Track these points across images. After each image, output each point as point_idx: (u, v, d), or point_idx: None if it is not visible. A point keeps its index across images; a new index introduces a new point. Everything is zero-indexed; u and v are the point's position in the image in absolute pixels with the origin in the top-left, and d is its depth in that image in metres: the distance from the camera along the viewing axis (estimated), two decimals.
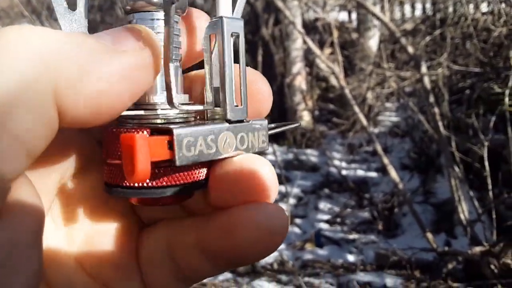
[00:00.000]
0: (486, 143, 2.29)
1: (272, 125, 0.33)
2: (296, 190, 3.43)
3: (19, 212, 0.22)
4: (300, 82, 4.48)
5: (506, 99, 2.23)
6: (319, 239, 2.77)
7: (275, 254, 2.66)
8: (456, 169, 2.38)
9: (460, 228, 2.44)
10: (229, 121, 0.28)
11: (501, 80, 2.81)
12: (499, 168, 2.37)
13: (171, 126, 0.25)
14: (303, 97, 4.42)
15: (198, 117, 0.30)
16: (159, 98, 0.27)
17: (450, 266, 2.22)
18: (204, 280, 2.41)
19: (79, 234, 0.30)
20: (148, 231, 0.32)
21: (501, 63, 2.93)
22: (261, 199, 0.27)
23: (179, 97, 0.28)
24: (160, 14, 0.27)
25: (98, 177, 0.30)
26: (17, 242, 0.21)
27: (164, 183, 0.26)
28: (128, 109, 0.26)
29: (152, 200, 0.27)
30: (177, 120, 0.27)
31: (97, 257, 0.30)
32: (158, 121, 0.27)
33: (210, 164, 0.28)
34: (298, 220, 3.05)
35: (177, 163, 0.25)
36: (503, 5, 2.77)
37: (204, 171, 0.28)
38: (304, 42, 3.20)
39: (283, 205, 3.20)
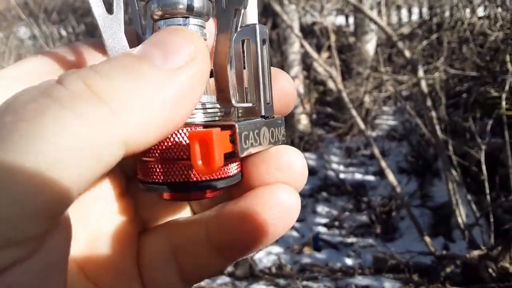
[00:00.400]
0: (483, 147, 2.29)
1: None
2: None
3: (63, 232, 0.22)
4: (298, 85, 4.48)
5: (503, 103, 2.24)
6: (317, 243, 2.76)
7: (273, 257, 2.66)
8: (454, 172, 2.39)
9: (458, 232, 2.45)
10: (264, 117, 0.30)
11: (498, 84, 2.82)
12: (497, 172, 2.38)
13: (232, 122, 0.28)
14: (301, 100, 4.42)
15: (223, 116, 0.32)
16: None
17: (448, 269, 2.23)
18: (202, 283, 2.40)
19: (80, 239, 0.30)
20: (148, 234, 0.32)
21: (498, 67, 2.94)
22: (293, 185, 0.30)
23: (209, 97, 0.30)
24: (192, 20, 0.29)
25: (102, 182, 0.30)
26: (53, 267, 0.21)
27: (223, 175, 0.29)
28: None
29: (186, 196, 0.30)
30: (215, 119, 0.30)
31: (98, 262, 0.30)
32: (200, 120, 0.29)
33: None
34: (296, 224, 3.05)
35: (240, 154, 0.28)
36: (499, 9, 2.79)
37: (238, 164, 0.31)
38: (302, 46, 3.21)
39: None
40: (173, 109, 0.23)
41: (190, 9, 0.28)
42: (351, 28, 4.92)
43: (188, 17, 0.29)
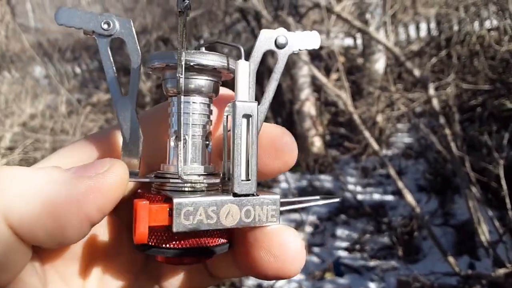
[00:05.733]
0: (501, 161, 2.25)
1: (310, 198, 0.37)
2: (311, 218, 3.40)
3: None
4: (309, 108, 4.49)
5: None
6: (339, 268, 2.71)
7: (294, 285, 2.61)
8: (473, 189, 2.34)
9: (483, 249, 2.38)
10: (235, 194, 0.30)
11: None
12: None
13: (174, 196, 0.29)
14: (313, 122, 4.42)
15: (217, 186, 0.33)
16: (178, 168, 0.31)
17: None
18: None
19: None
20: None
21: (511, 79, 2.91)
22: (289, 271, 0.31)
23: (198, 168, 0.32)
24: (196, 98, 0.32)
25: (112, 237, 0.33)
26: None
27: (180, 245, 0.30)
28: (156, 176, 0.32)
29: (174, 260, 0.31)
30: (186, 189, 0.31)
31: None
32: (176, 190, 0.31)
33: (233, 231, 0.32)
34: (315, 249, 3.00)
35: (174, 229, 0.28)
36: (508, 21, 2.77)
37: (220, 239, 0.32)
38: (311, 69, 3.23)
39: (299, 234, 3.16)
40: (52, 211, 0.26)
41: (197, 90, 0.32)
42: (359, 49, 4.93)
43: (195, 96, 0.32)
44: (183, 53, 0.29)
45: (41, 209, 0.25)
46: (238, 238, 0.33)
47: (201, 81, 0.32)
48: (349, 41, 5.42)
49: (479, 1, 2.99)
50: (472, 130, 3.10)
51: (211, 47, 0.34)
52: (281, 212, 0.32)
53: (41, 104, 4.09)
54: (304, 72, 4.38)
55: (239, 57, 0.32)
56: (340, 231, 3.21)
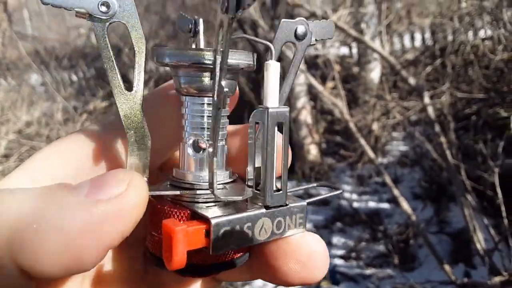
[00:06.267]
0: (496, 170, 2.26)
1: (309, 186, 0.36)
2: (308, 226, 3.38)
3: None
4: (306, 116, 4.50)
5: None
6: (335, 276, 2.70)
7: None
8: (469, 197, 2.35)
9: (479, 257, 2.38)
10: (268, 207, 0.29)
11: (507, 104, 2.81)
12: None
13: (209, 216, 0.26)
14: (309, 130, 4.44)
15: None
16: (198, 177, 0.29)
17: None
18: None
19: None
20: None
21: (505, 87, 2.93)
22: (316, 277, 0.30)
23: (221, 175, 0.30)
24: (210, 99, 0.29)
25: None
26: None
27: (202, 262, 0.28)
28: (172, 185, 0.29)
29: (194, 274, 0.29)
30: (211, 199, 0.29)
31: None
32: (199, 202, 0.29)
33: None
34: None
35: (212, 252, 0.26)
36: (502, 30, 2.80)
37: (244, 251, 0.30)
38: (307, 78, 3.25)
39: None
40: (68, 241, 0.23)
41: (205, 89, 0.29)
42: (355, 57, 4.97)
43: (209, 97, 0.30)
44: (224, 59, 0.25)
45: (54, 243, 0.22)
46: (257, 247, 0.30)
47: (227, 82, 0.27)
48: (344, 50, 5.46)
49: (473, 11, 3.02)
50: (467, 138, 3.12)
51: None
52: None
53: (37, 111, 4.08)
54: (301, 80, 4.40)
55: (262, 55, 0.31)
56: (336, 239, 3.20)
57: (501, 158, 2.41)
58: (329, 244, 3.15)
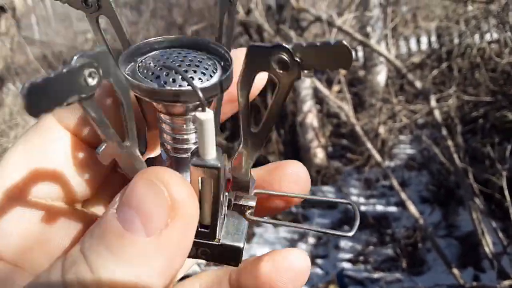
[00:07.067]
0: (504, 173, 2.26)
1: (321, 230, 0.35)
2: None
3: None
4: (312, 119, 4.51)
5: None
6: (343, 280, 2.70)
7: None
8: (477, 201, 2.34)
9: (487, 261, 2.37)
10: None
11: None
12: None
13: None
14: (316, 134, 4.44)
15: None
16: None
17: None
18: None
19: None
20: (185, 281, 0.36)
21: None
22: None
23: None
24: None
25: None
26: None
27: None
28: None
29: None
30: None
31: None
32: None
33: None
34: (319, 261, 3.00)
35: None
36: (508, 33, 2.80)
37: None
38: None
39: (302, 246, 3.16)
40: (162, 277, 0.24)
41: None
42: (361, 61, 4.97)
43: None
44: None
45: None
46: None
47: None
48: None
49: (479, 14, 3.02)
50: (474, 141, 3.11)
51: None
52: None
53: None
54: (307, 84, 4.41)
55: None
56: (344, 243, 3.20)
57: (509, 161, 2.41)
58: (337, 248, 3.15)
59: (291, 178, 0.34)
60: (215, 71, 0.29)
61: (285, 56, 0.24)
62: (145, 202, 0.24)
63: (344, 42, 0.23)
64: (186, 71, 0.28)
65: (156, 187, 0.24)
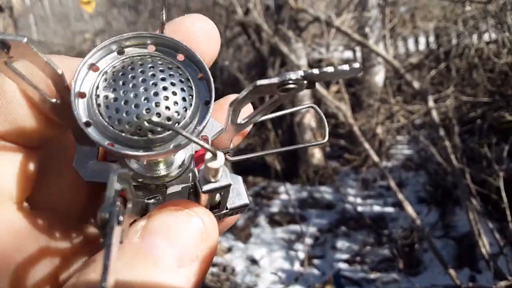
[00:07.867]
0: (501, 174, 2.25)
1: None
2: (312, 229, 3.39)
3: None
4: (310, 119, 4.51)
5: None
6: (339, 280, 2.70)
7: None
8: (474, 201, 2.34)
9: (484, 262, 2.37)
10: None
11: None
12: None
13: None
14: (313, 134, 4.43)
15: None
16: None
17: None
18: None
19: None
20: None
21: (510, 91, 2.92)
22: None
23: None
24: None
25: None
26: None
27: None
28: None
29: None
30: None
31: None
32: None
33: None
34: (316, 261, 2.99)
35: None
36: (506, 34, 2.80)
37: None
38: None
39: (299, 246, 3.15)
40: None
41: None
42: (359, 61, 4.97)
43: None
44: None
45: None
46: None
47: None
48: (348, 54, 5.46)
49: (477, 14, 3.02)
50: (471, 142, 3.11)
51: None
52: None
53: None
54: None
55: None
56: (341, 243, 3.20)
57: (506, 162, 2.40)
58: (334, 248, 3.15)
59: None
60: (190, 95, 0.28)
61: (291, 85, 0.24)
62: (177, 233, 0.24)
63: (360, 66, 0.24)
64: (157, 104, 0.26)
65: (188, 218, 0.24)
